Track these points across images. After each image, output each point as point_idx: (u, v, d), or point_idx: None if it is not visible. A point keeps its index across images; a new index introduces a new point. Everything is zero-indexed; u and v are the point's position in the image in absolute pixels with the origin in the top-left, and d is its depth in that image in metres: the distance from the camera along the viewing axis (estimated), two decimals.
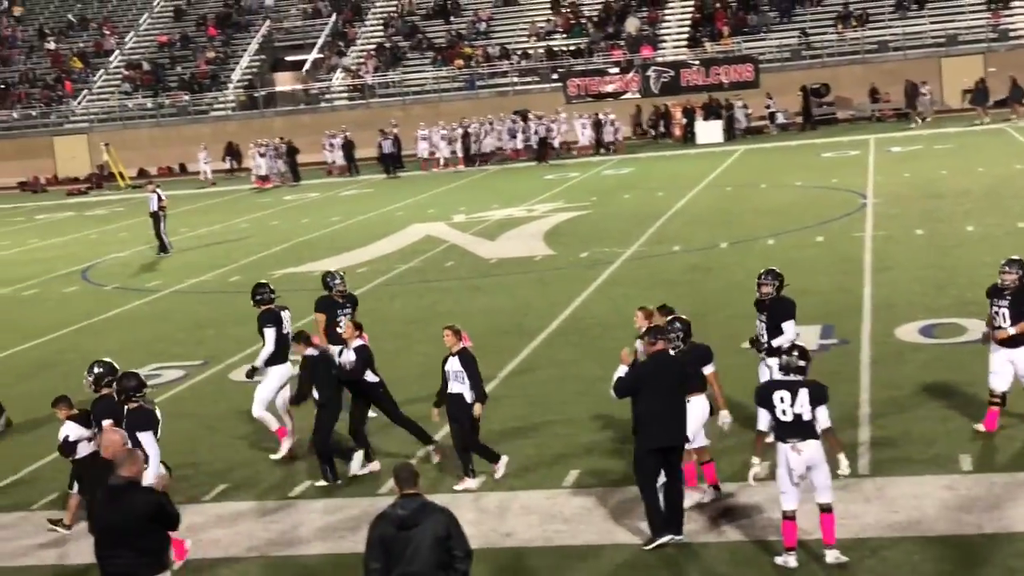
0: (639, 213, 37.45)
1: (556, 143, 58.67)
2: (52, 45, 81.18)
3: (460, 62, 69.75)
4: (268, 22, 77.98)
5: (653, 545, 12.77)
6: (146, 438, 13.20)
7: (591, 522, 13.71)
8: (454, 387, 14.90)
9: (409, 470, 9.96)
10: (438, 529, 9.62)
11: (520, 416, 17.67)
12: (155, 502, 10.38)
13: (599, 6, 72.22)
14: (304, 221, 43.39)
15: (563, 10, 72.46)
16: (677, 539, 12.88)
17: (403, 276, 30.64)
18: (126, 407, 13.56)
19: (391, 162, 58.01)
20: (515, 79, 68.37)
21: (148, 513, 10.25)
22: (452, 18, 74.51)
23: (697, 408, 13.72)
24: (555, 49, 69.40)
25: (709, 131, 58.67)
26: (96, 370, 14.61)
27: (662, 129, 61.68)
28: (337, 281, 19.14)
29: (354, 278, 30.41)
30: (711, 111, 59.59)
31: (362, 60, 72.43)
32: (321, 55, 74.33)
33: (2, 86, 78.64)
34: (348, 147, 59.83)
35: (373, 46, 73.49)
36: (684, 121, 60.09)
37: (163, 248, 37.98)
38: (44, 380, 21.51)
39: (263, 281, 18.81)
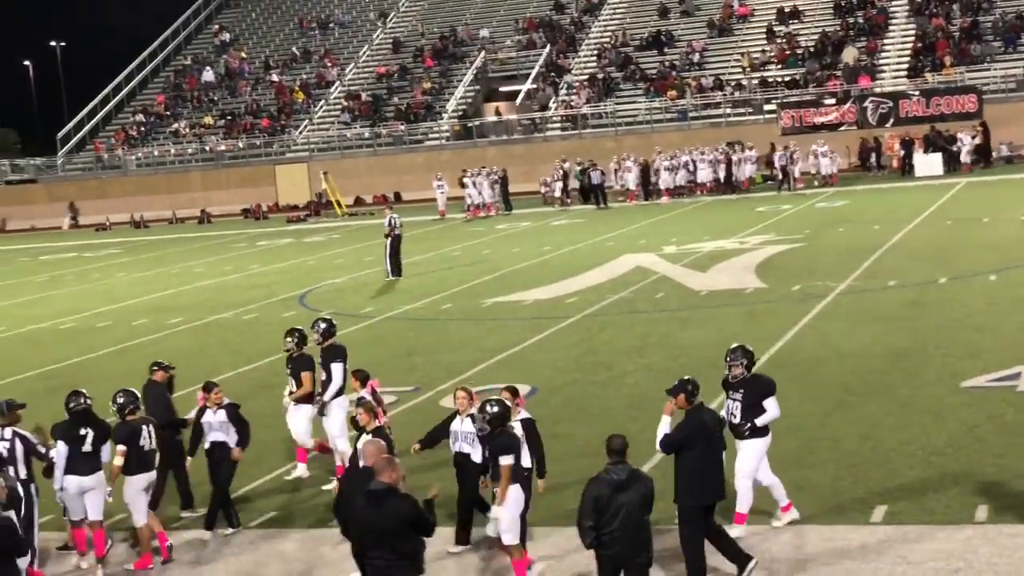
0: (854, 246, 36.70)
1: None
2: (276, 77, 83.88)
3: (673, 93, 69.62)
4: (483, 53, 79.15)
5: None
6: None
7: (799, 560, 13.42)
8: (463, 447, 14.43)
9: (622, 440, 11.51)
10: (646, 493, 11.32)
11: (728, 450, 17.42)
12: (413, 508, 10.83)
13: (815, 36, 71.28)
14: (515, 250, 43.76)
15: (778, 40, 71.77)
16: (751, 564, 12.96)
17: (613, 306, 30.60)
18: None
19: (598, 193, 58.25)
20: (728, 110, 67.89)
21: (406, 518, 10.72)
22: (666, 49, 74.51)
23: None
24: (769, 80, 68.71)
25: (929, 164, 57.21)
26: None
27: (873, 161, 60.38)
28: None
29: (564, 308, 30.58)
30: (931, 143, 58.11)
31: (575, 91, 72.87)
32: (535, 86, 75.04)
33: (229, 117, 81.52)
34: (503, 183, 60.08)
35: (586, 77, 73.89)
36: (901, 153, 58.76)
37: (395, 271, 38.79)
38: (265, 400, 22.12)
39: (327, 316, 18.95)
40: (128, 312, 36.20)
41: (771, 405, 14.27)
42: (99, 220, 73.80)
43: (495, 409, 13.39)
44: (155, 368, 17.14)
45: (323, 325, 18.13)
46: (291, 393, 17.77)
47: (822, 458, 16.95)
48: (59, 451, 14.68)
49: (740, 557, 12.97)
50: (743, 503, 14.21)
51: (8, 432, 14.48)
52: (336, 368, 17.49)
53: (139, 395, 15.34)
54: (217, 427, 15.93)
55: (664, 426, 13.06)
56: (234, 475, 16.10)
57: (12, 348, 31.70)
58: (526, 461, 13.37)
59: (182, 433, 16.56)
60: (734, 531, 13.90)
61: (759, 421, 14.19)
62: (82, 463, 14.74)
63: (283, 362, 18.18)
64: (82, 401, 14.95)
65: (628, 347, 25.23)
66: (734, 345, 14.58)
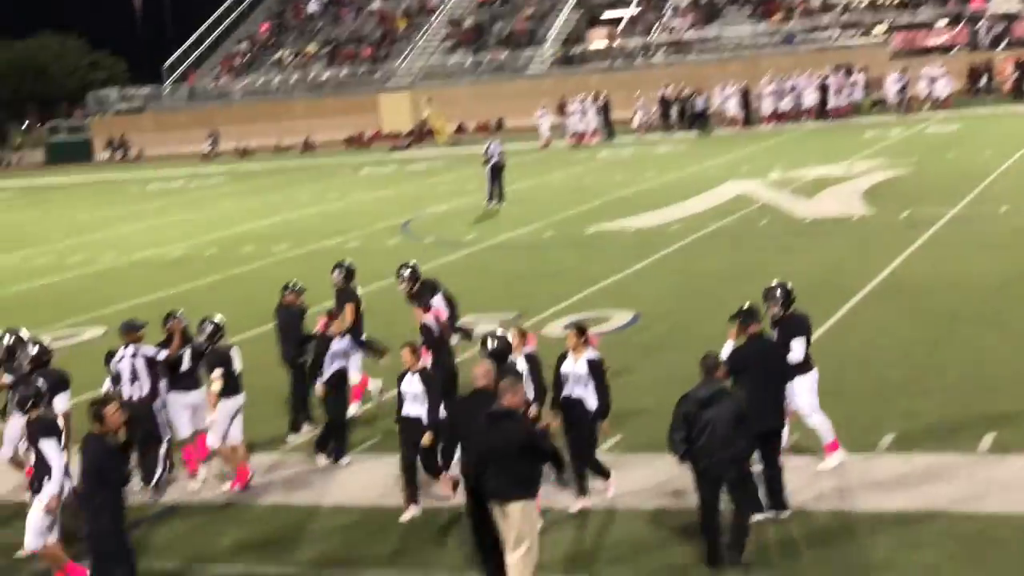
0: (964, 172, 36.01)
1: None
2: (379, 4, 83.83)
3: (779, 16, 68.46)
4: None
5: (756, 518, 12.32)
6: (48, 446, 12.30)
7: (904, 487, 13.31)
8: (413, 409, 13.75)
9: (714, 359, 12.00)
10: (733, 410, 11.66)
11: (833, 378, 17.29)
12: (526, 432, 11.05)
13: None
14: (618, 178, 43.54)
15: None
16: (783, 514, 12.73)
17: (715, 234, 30.37)
18: (27, 417, 12.65)
19: (701, 119, 57.70)
20: (836, 33, 66.66)
21: (522, 442, 10.90)
22: None
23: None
24: (878, 2, 67.29)
25: None
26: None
27: (983, 84, 58.93)
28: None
29: (666, 235, 30.42)
30: None
31: (679, 16, 71.99)
32: (638, 10, 74.23)
33: (332, 45, 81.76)
34: (606, 110, 59.50)
35: (690, 1, 72.92)
36: (1014, 76, 57.33)
37: (498, 198, 38.90)
38: (368, 327, 22.29)
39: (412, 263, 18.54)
40: (234, 240, 36.66)
41: (796, 345, 13.80)
42: (210, 148, 74.46)
43: (496, 345, 13.45)
44: (286, 291, 17.52)
45: (407, 272, 17.98)
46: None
47: (929, 386, 16.76)
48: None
49: (777, 500, 12.82)
50: (825, 434, 14.02)
51: (130, 349, 15.03)
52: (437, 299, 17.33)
53: (224, 324, 15.57)
54: (341, 355, 15.86)
55: (725, 350, 13.20)
56: (348, 405, 16.26)
57: (124, 275, 32.28)
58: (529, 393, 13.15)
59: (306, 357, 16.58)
60: (832, 460, 13.80)
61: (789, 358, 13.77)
62: (182, 380, 15.29)
63: (387, 289, 18.28)
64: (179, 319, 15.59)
65: (730, 275, 25.03)
66: (773, 283, 14.30)
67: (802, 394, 13.88)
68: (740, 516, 11.89)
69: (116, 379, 15.02)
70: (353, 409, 17.47)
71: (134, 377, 14.94)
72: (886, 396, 16.42)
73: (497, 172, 39.16)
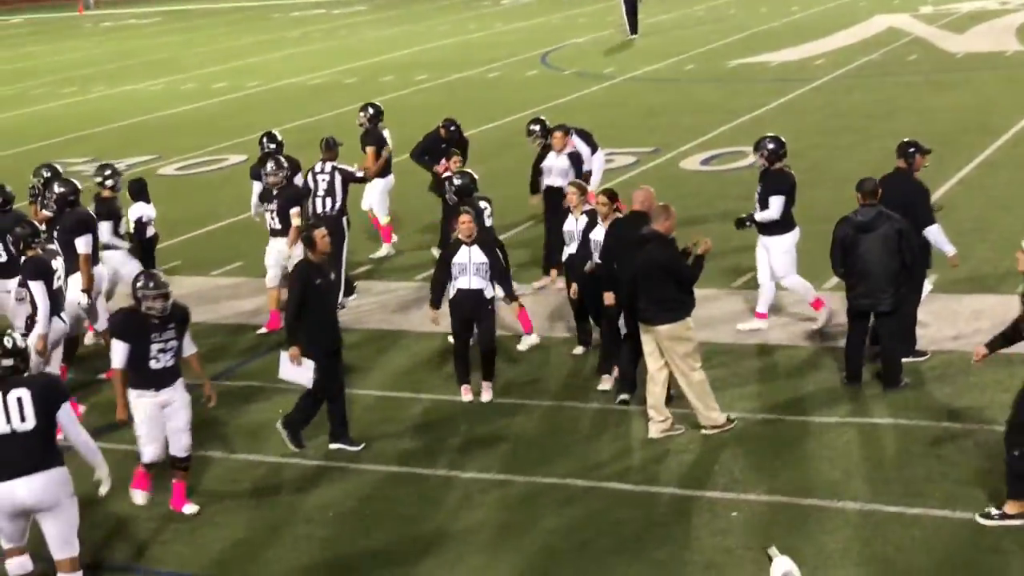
0: None
1: None
2: None
3: None
4: None
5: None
6: (37, 288, 12.09)
7: None
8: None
9: (873, 183, 11.92)
10: (890, 233, 11.60)
11: (977, 216, 16.99)
12: (670, 255, 11.10)
13: None
14: (763, 10, 42.61)
15: None
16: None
17: (862, 69, 29.68)
18: (21, 256, 12.37)
19: None
20: None
21: (662, 264, 10.99)
22: None
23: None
24: None
25: None
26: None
27: None
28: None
29: (810, 70, 29.80)
30: None
31: None
32: None
33: None
34: None
35: None
36: None
37: (633, 29, 38.45)
38: (503, 160, 22.38)
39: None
40: (374, 69, 36.79)
41: (774, 203, 13.30)
42: None
43: (459, 182, 14.02)
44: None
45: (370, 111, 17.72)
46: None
47: None
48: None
49: (852, 373, 12.34)
50: (806, 294, 13.58)
51: (328, 166, 15.74)
52: None
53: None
54: (558, 172, 15.77)
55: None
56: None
57: (266, 102, 32.68)
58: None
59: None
60: (820, 317, 13.50)
61: (757, 216, 13.41)
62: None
63: (525, 121, 18.20)
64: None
65: (876, 111, 24.53)
66: (766, 134, 13.80)
67: (777, 255, 13.47)
68: (890, 348, 11.91)
69: (306, 192, 15.57)
70: (384, 251, 17.82)
71: (329, 191, 15.60)
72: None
73: (634, 3, 38.57)
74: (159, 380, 10.18)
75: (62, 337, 12.54)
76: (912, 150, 12.81)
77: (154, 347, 10.10)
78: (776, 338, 13.49)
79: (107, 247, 14.79)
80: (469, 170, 14.68)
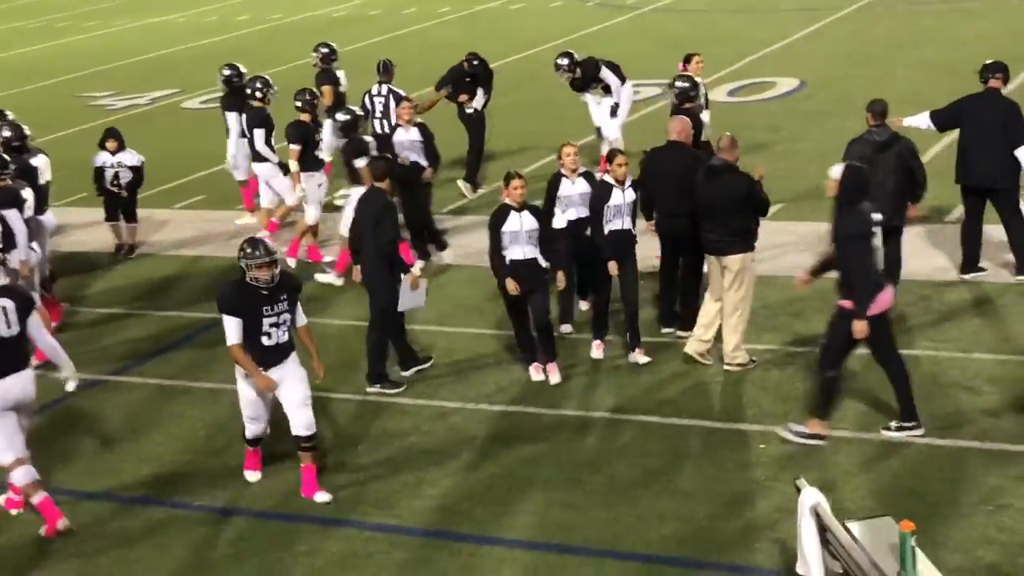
0: None
1: None
2: None
3: None
4: None
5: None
6: (11, 215, 12.20)
7: None
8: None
9: (883, 104, 12.09)
10: (903, 152, 11.82)
11: None
12: (747, 185, 11.05)
13: None
14: None
15: None
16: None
17: None
18: None
19: None
20: None
21: (740, 194, 10.95)
22: None
23: None
24: None
25: None
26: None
27: None
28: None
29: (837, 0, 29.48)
30: None
31: None
32: None
33: None
34: None
35: None
36: None
37: None
38: (527, 92, 22.29)
39: None
40: (397, 1, 36.57)
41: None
42: None
43: (344, 117, 14.34)
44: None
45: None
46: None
47: None
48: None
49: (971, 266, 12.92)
50: None
51: (384, 88, 16.32)
52: None
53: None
54: (408, 146, 14.74)
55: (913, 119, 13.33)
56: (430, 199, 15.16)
57: (289, 34, 32.56)
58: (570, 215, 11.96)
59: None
60: None
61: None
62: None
63: (550, 52, 18.11)
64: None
65: (904, 40, 24.31)
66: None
67: None
68: (898, 261, 12.11)
69: (366, 113, 16.00)
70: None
71: (385, 113, 16.11)
72: None
73: None
74: (272, 357, 9.38)
75: (37, 264, 12.90)
76: (1000, 73, 12.83)
77: (266, 321, 9.28)
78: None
79: (257, 157, 15.43)
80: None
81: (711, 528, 8.71)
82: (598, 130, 17.47)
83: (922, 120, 13.01)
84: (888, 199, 11.82)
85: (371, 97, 16.40)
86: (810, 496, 7.41)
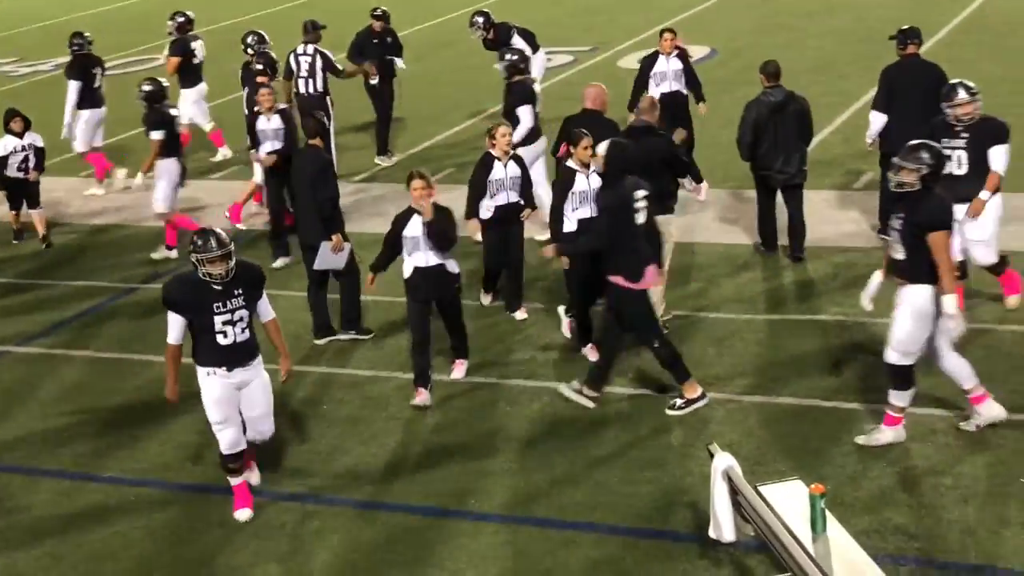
0: None
1: None
2: None
3: None
4: None
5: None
6: None
7: None
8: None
9: (776, 65, 12.46)
10: (799, 111, 12.36)
11: None
12: (667, 146, 11.23)
13: None
14: None
15: None
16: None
17: None
18: None
19: None
20: None
21: (660, 156, 11.02)
22: None
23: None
24: None
25: None
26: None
27: None
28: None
29: None
30: None
31: None
32: None
33: None
34: None
35: None
36: None
37: None
38: (440, 59, 22.17)
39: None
40: None
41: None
42: None
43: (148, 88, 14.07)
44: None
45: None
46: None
47: (1013, 125, 16.44)
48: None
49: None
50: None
51: (310, 48, 16.35)
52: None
53: None
54: (272, 135, 13.91)
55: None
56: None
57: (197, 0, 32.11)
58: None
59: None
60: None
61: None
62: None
63: (462, 18, 18.03)
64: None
65: (815, 9, 24.51)
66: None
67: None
68: (800, 218, 12.66)
69: (290, 73, 16.26)
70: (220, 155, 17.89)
71: (311, 73, 16.19)
72: None
73: None
74: (230, 358, 8.61)
75: None
76: (917, 39, 12.92)
77: (218, 320, 8.49)
78: (711, 238, 13.57)
79: None
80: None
81: (625, 494, 8.76)
82: None
83: (875, 122, 12.66)
84: (784, 158, 12.35)
85: (296, 56, 16.36)
86: (722, 460, 7.48)
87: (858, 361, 10.41)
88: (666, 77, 14.84)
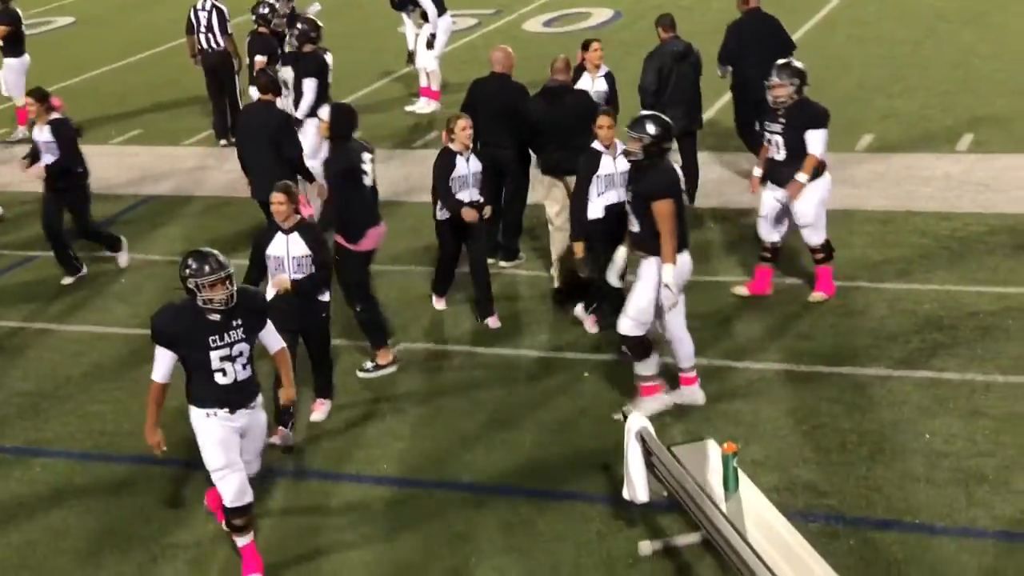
0: None
1: None
2: None
3: None
4: None
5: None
6: None
7: (882, 186, 13.42)
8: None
9: (671, 16, 12.74)
10: (697, 61, 12.72)
11: (816, 77, 17.14)
12: (587, 102, 11.27)
13: None
14: None
15: None
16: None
17: None
18: None
19: None
20: None
21: (581, 112, 10.88)
22: None
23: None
24: None
25: None
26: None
27: None
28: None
29: None
30: None
31: None
32: None
33: None
34: None
35: None
36: None
37: None
38: (345, 21, 21.93)
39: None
40: None
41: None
42: None
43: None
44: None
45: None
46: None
47: (911, 85, 16.73)
48: None
49: None
50: None
51: (208, 3, 16.37)
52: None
53: None
54: (45, 148, 12.34)
55: None
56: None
57: None
58: None
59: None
60: None
61: None
62: None
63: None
64: None
65: None
66: None
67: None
68: (693, 166, 12.96)
69: (191, 28, 16.42)
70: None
71: (209, 27, 16.25)
72: (868, 95, 16.41)
73: None
74: (236, 398, 7.46)
75: None
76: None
77: (215, 356, 7.34)
78: None
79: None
80: None
81: (538, 457, 8.79)
82: (410, 55, 17.44)
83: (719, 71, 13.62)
84: (685, 106, 12.58)
85: (196, 12, 16.35)
86: (636, 422, 7.54)
87: (763, 322, 10.52)
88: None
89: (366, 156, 9.92)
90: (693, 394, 9.24)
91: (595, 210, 9.95)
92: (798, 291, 11.02)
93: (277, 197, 8.85)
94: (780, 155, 10.66)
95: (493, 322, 10.87)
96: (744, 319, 10.54)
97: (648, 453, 7.47)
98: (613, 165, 9.94)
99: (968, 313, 10.36)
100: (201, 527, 8.24)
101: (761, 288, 10.97)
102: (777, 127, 10.64)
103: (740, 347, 10.09)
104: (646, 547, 7.50)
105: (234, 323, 7.37)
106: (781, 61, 10.79)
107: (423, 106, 17.28)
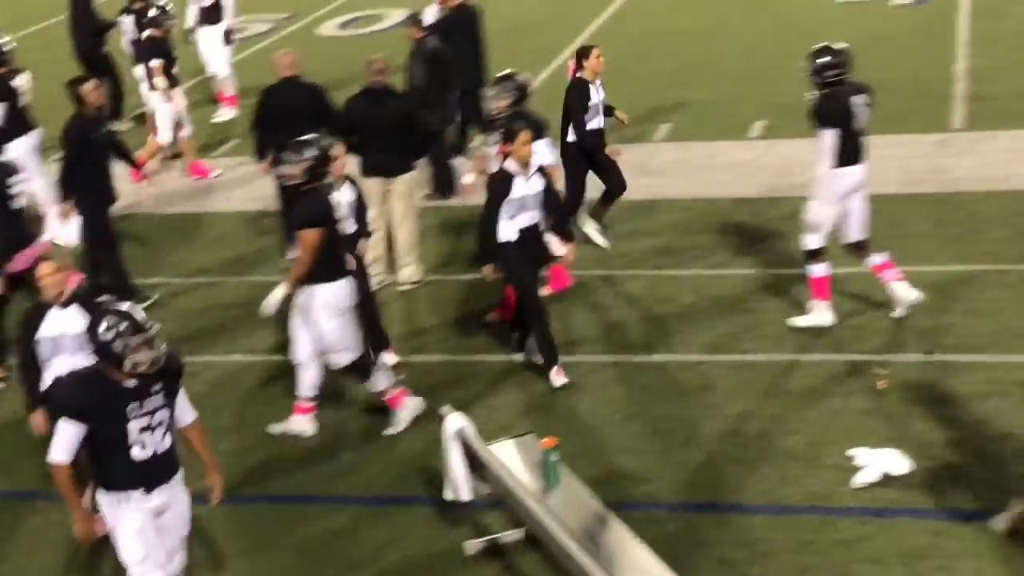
0: None
1: None
2: None
3: None
4: None
5: None
6: None
7: (680, 175, 13.66)
8: None
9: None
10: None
11: (610, 70, 17.36)
12: (414, 103, 11.66)
13: None
14: None
15: None
16: None
17: None
18: None
19: None
20: None
21: (406, 113, 11.20)
22: None
23: None
24: None
25: None
26: None
27: None
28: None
29: None
30: None
31: None
32: None
33: None
34: None
35: None
36: None
37: None
38: None
39: None
40: None
41: None
42: None
43: None
44: None
45: None
46: None
47: (703, 75, 17.07)
48: None
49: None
50: None
51: None
52: None
53: None
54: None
55: None
56: None
57: None
58: None
59: None
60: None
61: None
62: None
63: None
64: None
65: None
66: None
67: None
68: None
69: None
70: None
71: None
72: (662, 86, 16.69)
73: None
74: (152, 475, 6.48)
75: None
76: None
77: (133, 427, 6.35)
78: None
79: None
80: None
81: (358, 464, 8.73)
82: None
83: None
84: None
85: None
86: (454, 422, 7.55)
87: (574, 316, 10.65)
88: (598, 112, 11.77)
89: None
90: (302, 424, 9.14)
91: (508, 233, 9.34)
92: (599, 284, 11.19)
93: (45, 268, 7.59)
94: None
95: (389, 356, 9.82)
96: (554, 315, 10.63)
97: (469, 453, 7.49)
98: (525, 187, 9.28)
99: (770, 295, 10.63)
100: None
101: (561, 284, 11.03)
102: (493, 138, 10.43)
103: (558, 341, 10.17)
104: (471, 546, 7.52)
105: (153, 388, 6.39)
106: (500, 74, 10.78)
107: (225, 114, 17.09)
